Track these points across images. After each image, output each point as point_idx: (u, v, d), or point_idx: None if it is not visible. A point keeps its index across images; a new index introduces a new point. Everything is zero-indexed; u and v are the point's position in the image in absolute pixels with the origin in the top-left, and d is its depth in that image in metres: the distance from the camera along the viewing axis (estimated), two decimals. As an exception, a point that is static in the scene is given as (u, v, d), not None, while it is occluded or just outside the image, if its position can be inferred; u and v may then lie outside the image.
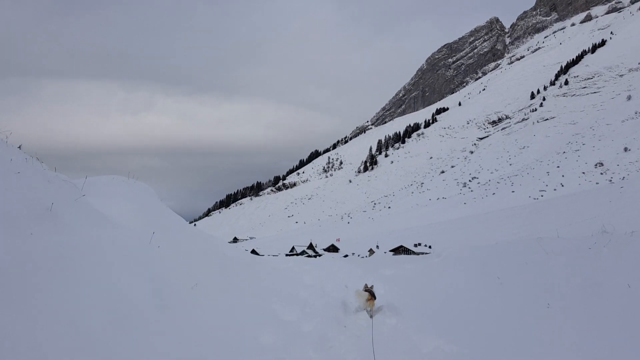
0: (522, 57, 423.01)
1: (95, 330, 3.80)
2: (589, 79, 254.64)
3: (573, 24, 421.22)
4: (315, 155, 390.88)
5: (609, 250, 6.56)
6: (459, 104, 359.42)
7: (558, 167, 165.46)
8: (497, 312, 6.43)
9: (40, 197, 4.97)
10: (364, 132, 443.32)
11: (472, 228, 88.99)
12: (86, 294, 4.07)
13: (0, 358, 3.00)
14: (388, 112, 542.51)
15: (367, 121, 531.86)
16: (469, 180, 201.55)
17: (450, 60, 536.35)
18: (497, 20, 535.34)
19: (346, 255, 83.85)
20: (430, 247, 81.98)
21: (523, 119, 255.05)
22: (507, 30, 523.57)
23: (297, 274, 9.20)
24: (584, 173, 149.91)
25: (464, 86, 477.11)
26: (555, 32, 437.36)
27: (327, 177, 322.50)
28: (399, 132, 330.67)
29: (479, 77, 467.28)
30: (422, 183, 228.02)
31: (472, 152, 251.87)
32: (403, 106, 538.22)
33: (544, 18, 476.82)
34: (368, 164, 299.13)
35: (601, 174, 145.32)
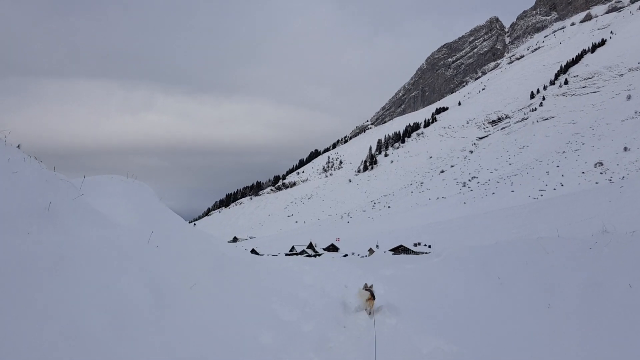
0: (522, 56, 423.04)
1: (94, 330, 3.77)
2: (588, 78, 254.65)
3: (573, 24, 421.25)
4: (315, 154, 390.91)
5: (610, 250, 6.53)
6: (459, 104, 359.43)
7: (558, 166, 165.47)
8: (497, 312, 6.40)
9: (38, 196, 4.94)
10: (364, 132, 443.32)
11: (471, 227, 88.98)
12: (84, 294, 4.04)
13: (0, 358, 2.99)
14: (388, 112, 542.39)
15: (367, 121, 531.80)
16: (469, 180, 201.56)
17: (450, 59, 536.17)
18: (497, 19, 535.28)
19: (346, 255, 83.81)
20: (430, 246, 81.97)
21: (523, 119, 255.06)
22: (507, 30, 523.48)
23: (296, 274, 9.16)
24: (583, 173, 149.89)
25: (464, 86, 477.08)
26: (555, 31, 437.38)
27: (326, 176, 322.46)
28: (399, 132, 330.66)
29: (479, 77, 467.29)
30: (422, 183, 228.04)
31: (471, 152, 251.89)
32: (403, 106, 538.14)
33: (544, 17, 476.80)
34: (368, 164, 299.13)
35: (601, 173, 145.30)
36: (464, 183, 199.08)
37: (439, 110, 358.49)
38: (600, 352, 4.82)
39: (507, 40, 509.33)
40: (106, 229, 5.50)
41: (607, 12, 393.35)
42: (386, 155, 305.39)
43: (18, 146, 6.33)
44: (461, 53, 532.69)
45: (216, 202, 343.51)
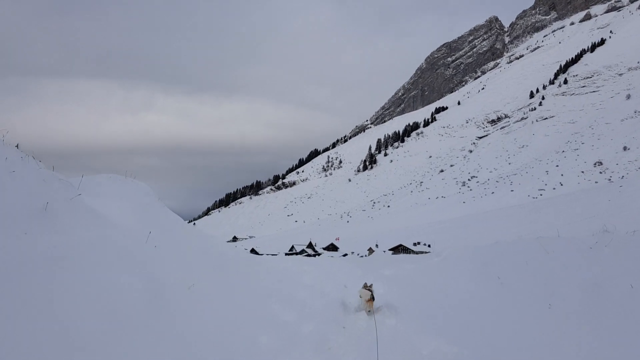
0: (522, 56, 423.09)
1: (90, 331, 3.74)
2: (588, 78, 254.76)
3: (572, 23, 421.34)
4: (314, 154, 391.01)
5: (611, 250, 6.50)
6: (458, 103, 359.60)
7: (557, 166, 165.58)
8: (497, 312, 6.36)
9: (35, 196, 4.90)
10: (364, 131, 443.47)
11: (471, 227, 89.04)
12: (81, 295, 4.00)
13: None
14: (387, 111, 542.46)
15: (367, 120, 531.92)
16: (468, 180, 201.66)
17: (449, 59, 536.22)
18: (497, 19, 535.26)
19: (345, 254, 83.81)
20: (429, 245, 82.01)
21: (522, 118, 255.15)
22: (506, 30, 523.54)
23: (296, 274, 9.13)
24: (583, 172, 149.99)
25: (463, 85, 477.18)
26: (554, 31, 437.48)
27: (326, 176, 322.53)
28: (399, 131, 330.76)
29: (478, 76, 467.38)
30: (422, 182, 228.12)
31: (471, 151, 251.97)
32: (402, 105, 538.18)
33: (543, 17, 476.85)
34: (367, 163, 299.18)
35: (600, 173, 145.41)
36: (464, 182, 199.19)
37: (439, 110, 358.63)
38: (602, 352, 4.79)
39: (507, 39, 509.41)
40: (104, 229, 5.46)
41: (607, 12, 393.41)
42: (386, 154, 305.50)
43: (16, 146, 6.30)
44: (461, 52, 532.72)
45: (216, 201, 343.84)
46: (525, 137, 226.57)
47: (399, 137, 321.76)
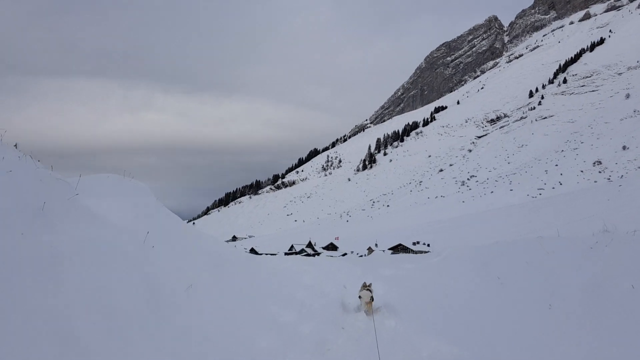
0: (521, 55, 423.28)
1: (86, 333, 3.69)
2: (587, 77, 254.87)
3: (572, 22, 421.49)
4: (314, 153, 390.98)
5: (611, 250, 6.46)
6: (458, 103, 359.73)
7: (556, 165, 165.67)
8: (497, 313, 6.33)
9: (32, 196, 4.87)
10: (363, 131, 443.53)
11: (470, 226, 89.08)
12: (77, 295, 3.97)
13: None
14: (387, 111, 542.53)
15: (366, 120, 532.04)
16: (468, 179, 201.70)
17: (448, 58, 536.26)
18: (496, 18, 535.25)
19: (345, 254, 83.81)
20: (429, 245, 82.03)
21: (521, 118, 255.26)
22: (505, 29, 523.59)
23: (295, 274, 9.10)
24: (582, 171, 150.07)
25: (463, 85, 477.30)
26: (553, 30, 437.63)
27: (326, 175, 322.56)
28: (398, 131, 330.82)
29: (478, 76, 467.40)
30: (421, 181, 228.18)
31: (470, 151, 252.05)
32: (402, 105, 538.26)
33: (543, 16, 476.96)
34: (367, 163, 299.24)
35: (600, 172, 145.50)
36: (463, 182, 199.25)
37: (438, 109, 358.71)
38: (603, 353, 4.76)
39: (506, 39, 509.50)
40: (101, 229, 5.42)
41: (606, 11, 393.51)
42: (385, 154, 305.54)
43: (15, 145, 6.27)
44: (460, 52, 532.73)
45: (215, 201, 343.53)
46: (524, 137, 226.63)
47: (398, 137, 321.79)
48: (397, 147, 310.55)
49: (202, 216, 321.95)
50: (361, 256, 67.88)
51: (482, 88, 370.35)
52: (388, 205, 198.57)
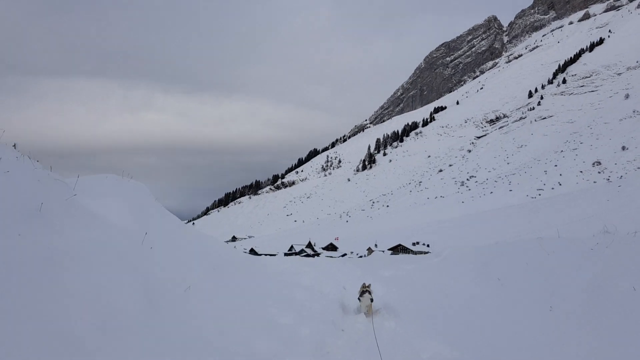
0: (520, 55, 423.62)
1: (83, 334, 3.67)
2: (587, 77, 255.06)
3: (571, 23, 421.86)
4: (314, 153, 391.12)
5: (612, 251, 6.43)
6: (457, 103, 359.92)
7: (556, 165, 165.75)
8: (498, 315, 6.30)
9: (30, 196, 4.83)
10: (363, 131, 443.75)
11: (470, 227, 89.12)
12: (73, 297, 3.94)
13: None
14: (386, 111, 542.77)
15: (366, 120, 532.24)
16: (467, 179, 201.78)
17: (448, 59, 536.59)
18: (495, 18, 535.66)
19: (344, 254, 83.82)
20: (428, 245, 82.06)
21: (521, 118, 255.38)
22: (505, 29, 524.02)
23: (294, 275, 9.06)
24: (581, 172, 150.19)
25: (462, 85, 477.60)
26: (553, 30, 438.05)
27: (325, 175, 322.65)
28: (398, 131, 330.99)
29: (477, 76, 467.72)
30: (420, 182, 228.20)
31: (469, 151, 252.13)
32: (401, 105, 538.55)
33: (542, 16, 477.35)
34: (367, 163, 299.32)
35: (599, 172, 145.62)
36: (462, 182, 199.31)
37: (437, 110, 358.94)
38: (604, 356, 4.73)
39: (505, 39, 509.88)
40: (99, 230, 5.38)
41: (606, 11, 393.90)
42: (385, 154, 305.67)
43: (14, 145, 6.23)
44: (459, 52, 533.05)
45: (215, 201, 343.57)
46: (523, 137, 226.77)
47: (398, 137, 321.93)
48: (396, 147, 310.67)
49: (201, 216, 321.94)
50: (361, 256, 67.87)
51: (482, 88, 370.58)
52: (388, 206, 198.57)
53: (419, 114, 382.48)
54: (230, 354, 4.65)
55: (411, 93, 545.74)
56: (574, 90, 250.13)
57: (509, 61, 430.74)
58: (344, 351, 5.42)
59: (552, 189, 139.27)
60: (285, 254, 73.29)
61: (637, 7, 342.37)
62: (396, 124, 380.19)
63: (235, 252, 9.63)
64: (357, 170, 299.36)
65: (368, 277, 9.11)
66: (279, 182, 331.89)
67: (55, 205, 5.10)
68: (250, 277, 7.73)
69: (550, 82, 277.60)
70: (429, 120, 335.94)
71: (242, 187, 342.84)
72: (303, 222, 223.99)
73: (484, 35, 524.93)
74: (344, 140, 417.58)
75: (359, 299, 7.05)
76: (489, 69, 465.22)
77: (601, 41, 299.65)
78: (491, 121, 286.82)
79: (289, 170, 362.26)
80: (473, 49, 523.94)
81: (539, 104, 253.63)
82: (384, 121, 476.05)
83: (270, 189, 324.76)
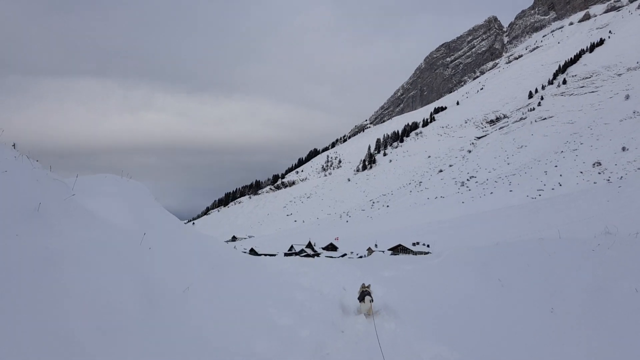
0: (520, 56, 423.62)
1: (81, 335, 3.65)
2: (587, 78, 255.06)
3: (571, 23, 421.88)
4: (314, 153, 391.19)
5: (614, 252, 6.39)
6: (457, 103, 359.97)
7: (556, 166, 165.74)
8: (499, 316, 6.26)
9: (28, 196, 4.80)
10: (363, 131, 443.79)
11: (470, 227, 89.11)
12: (71, 298, 3.91)
13: None
14: (387, 111, 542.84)
15: (366, 120, 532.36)
16: (467, 180, 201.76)
17: (448, 59, 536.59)
18: (496, 19, 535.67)
19: (344, 254, 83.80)
20: (428, 246, 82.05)
21: (521, 118, 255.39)
22: (505, 30, 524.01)
23: (294, 276, 9.03)
24: (581, 172, 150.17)
25: (462, 85, 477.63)
26: (553, 31, 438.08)
27: (326, 175, 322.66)
28: (398, 131, 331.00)
29: (477, 77, 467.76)
30: (421, 182, 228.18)
31: (470, 152, 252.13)
32: (401, 105, 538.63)
33: (542, 17, 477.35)
34: (367, 163, 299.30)
35: (599, 173, 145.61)
36: (463, 183, 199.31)
37: (438, 110, 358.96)
38: (604, 357, 4.70)
39: (506, 39, 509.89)
40: (97, 230, 5.34)
41: (606, 12, 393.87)
42: (385, 154, 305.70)
43: (13, 145, 6.21)
44: (459, 53, 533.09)
45: (215, 201, 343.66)
46: (524, 138, 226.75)
47: (398, 137, 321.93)
48: (396, 147, 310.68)
49: (201, 216, 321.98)
50: (361, 257, 67.87)
51: (482, 89, 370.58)
52: (388, 206, 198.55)
53: (419, 114, 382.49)
54: (229, 354, 4.62)
55: (411, 93, 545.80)
56: (574, 90, 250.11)
57: (509, 62, 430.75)
58: (344, 352, 5.38)
59: (552, 189, 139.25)
60: (285, 254, 73.27)
61: (638, 8, 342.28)
62: (396, 124, 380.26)
63: (234, 252, 9.60)
64: (357, 170, 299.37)
65: (368, 278, 9.08)
66: (279, 182, 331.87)
67: (53, 205, 5.07)
68: (250, 277, 7.69)
69: (550, 82, 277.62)
70: (429, 120, 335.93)
71: (242, 187, 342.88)
72: (303, 222, 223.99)
73: (484, 36, 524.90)
74: (344, 140, 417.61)
75: (358, 298, 7.02)
76: (489, 70, 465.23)
77: (601, 42, 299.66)
78: (491, 121, 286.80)
79: (289, 170, 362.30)
80: (473, 49, 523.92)
81: (539, 104, 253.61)
82: (384, 121, 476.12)
83: (270, 188, 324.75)
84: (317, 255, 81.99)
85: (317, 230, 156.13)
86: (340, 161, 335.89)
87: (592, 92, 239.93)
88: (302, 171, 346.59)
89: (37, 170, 5.79)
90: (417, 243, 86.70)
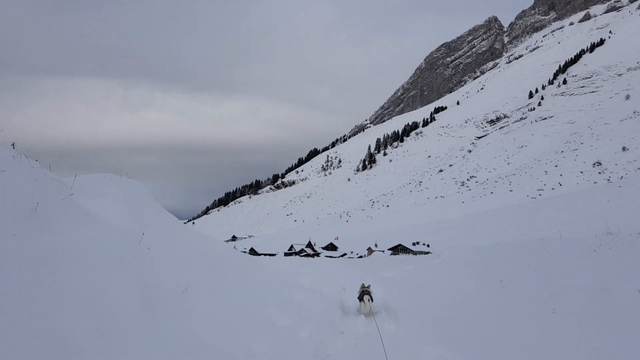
0: (521, 56, 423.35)
1: (79, 335, 3.63)
2: (587, 78, 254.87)
3: (572, 23, 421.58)
4: (314, 153, 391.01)
5: (615, 253, 6.36)
6: (457, 103, 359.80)
7: (556, 166, 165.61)
8: (500, 317, 6.22)
9: (25, 196, 4.77)
10: (363, 131, 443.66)
11: (470, 227, 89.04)
12: (69, 298, 3.89)
13: None
14: (387, 111, 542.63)
15: (366, 120, 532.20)
16: (467, 179, 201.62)
17: (448, 59, 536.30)
18: (496, 19, 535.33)
19: (344, 254, 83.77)
20: (428, 245, 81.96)
21: (521, 118, 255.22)
22: (505, 30, 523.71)
23: (294, 276, 9.00)
24: (582, 172, 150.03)
25: (462, 85, 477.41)
26: (553, 31, 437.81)
27: (326, 175, 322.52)
28: (398, 131, 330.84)
29: (477, 76, 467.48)
30: (421, 182, 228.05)
31: (470, 151, 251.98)
32: (402, 105, 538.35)
33: (543, 17, 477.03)
34: (367, 163, 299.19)
35: (599, 173, 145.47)
36: (463, 182, 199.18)
37: (438, 110, 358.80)
38: (605, 357, 4.67)
39: (506, 39, 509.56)
40: (96, 230, 5.31)
41: (606, 12, 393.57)
42: (385, 154, 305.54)
43: (12, 145, 6.17)
44: (460, 52, 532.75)
45: (215, 200, 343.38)
46: (524, 137, 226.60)
47: (398, 137, 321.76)
48: (396, 147, 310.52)
49: (201, 216, 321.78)
50: (361, 256, 67.81)
51: (482, 89, 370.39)
52: (388, 206, 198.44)
53: (419, 114, 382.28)
54: (228, 355, 4.59)
55: (411, 93, 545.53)
56: (574, 90, 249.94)
57: (510, 62, 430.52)
58: (344, 354, 5.34)
59: (553, 189, 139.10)
60: (285, 254, 73.23)
61: (638, 8, 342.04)
62: (396, 124, 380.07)
63: (234, 252, 9.56)
64: (357, 170, 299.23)
65: (368, 278, 9.04)
66: (279, 181, 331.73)
67: (51, 204, 5.04)
68: (250, 277, 7.66)
69: (550, 82, 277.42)
70: (429, 120, 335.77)
71: (242, 187, 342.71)
72: (303, 221, 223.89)
73: (484, 36, 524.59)
74: (344, 140, 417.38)
75: (358, 299, 6.98)
76: (489, 70, 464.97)
77: (602, 42, 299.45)
78: (491, 121, 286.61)
79: (289, 169, 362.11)
80: (473, 49, 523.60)
81: (539, 104, 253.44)
82: (384, 121, 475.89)
83: (271, 188, 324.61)
84: (317, 255, 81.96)
85: (317, 230, 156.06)
86: (340, 161, 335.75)
87: (593, 92, 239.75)
88: (302, 171, 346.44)
89: (36, 169, 5.75)
90: (417, 243, 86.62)
